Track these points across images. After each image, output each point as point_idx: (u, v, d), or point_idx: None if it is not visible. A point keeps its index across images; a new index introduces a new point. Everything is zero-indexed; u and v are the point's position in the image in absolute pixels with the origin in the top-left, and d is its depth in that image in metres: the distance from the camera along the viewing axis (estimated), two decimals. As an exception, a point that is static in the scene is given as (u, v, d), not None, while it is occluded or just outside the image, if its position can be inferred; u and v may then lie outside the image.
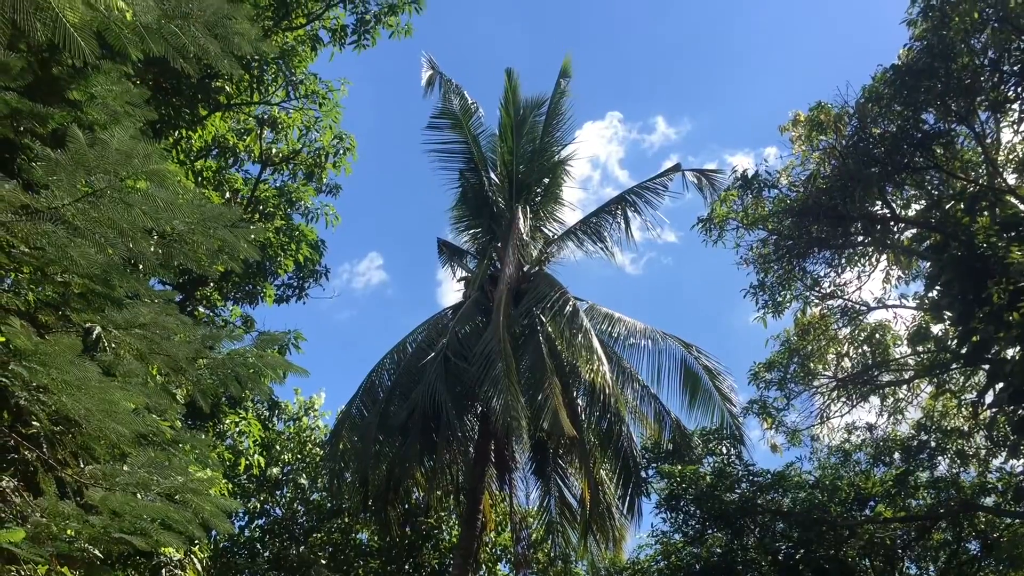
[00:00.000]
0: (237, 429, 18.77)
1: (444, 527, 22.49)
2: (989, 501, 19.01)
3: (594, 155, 65.71)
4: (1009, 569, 19.21)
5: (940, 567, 21.72)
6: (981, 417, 18.18)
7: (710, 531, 22.06)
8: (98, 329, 6.75)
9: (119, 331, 6.55)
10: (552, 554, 22.02)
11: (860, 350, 19.34)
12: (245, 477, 21.03)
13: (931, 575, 22.13)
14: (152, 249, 6.41)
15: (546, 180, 21.02)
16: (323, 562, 21.58)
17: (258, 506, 21.83)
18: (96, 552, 6.07)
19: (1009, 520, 19.03)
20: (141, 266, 6.97)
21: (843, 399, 19.45)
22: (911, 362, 18.78)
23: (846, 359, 19.62)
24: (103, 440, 6.30)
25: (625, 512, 17.84)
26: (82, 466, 6.47)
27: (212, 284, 16.87)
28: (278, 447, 21.92)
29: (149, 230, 6.25)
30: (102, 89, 6.62)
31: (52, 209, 5.69)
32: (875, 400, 19.85)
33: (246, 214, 16.72)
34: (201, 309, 16.99)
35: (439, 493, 19.15)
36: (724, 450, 22.34)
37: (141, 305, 6.66)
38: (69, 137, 5.66)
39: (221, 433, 18.32)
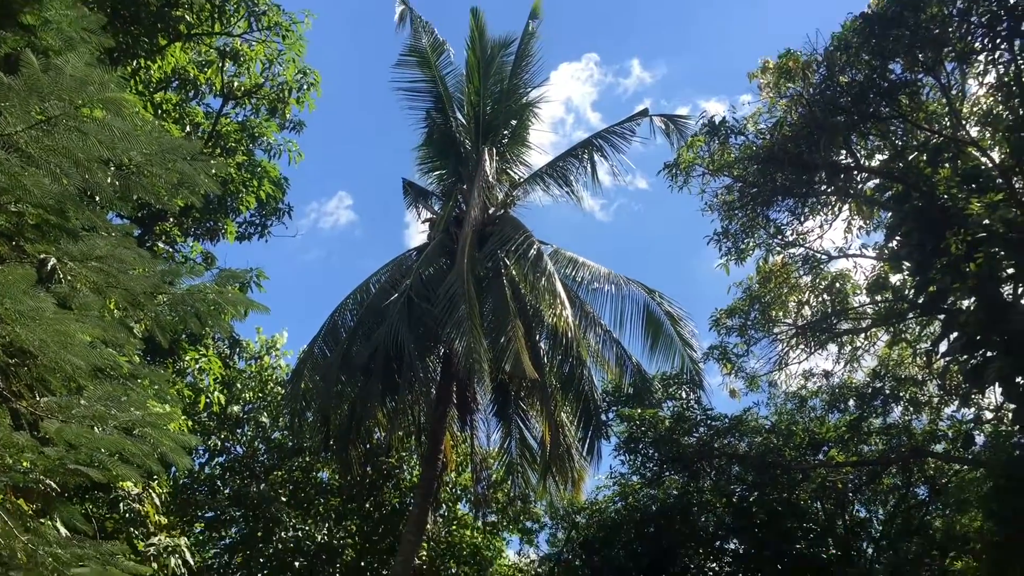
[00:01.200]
0: (197, 366, 18.65)
1: (405, 467, 22.68)
2: (939, 448, 19.48)
3: (568, 97, 65.13)
4: (956, 513, 19.80)
5: (889, 510, 22.34)
6: (935, 366, 18.52)
7: (667, 473, 22.46)
8: (53, 260, 6.63)
9: (75, 263, 6.44)
10: (512, 494, 22.33)
11: (820, 298, 19.50)
12: (205, 415, 20.98)
13: (880, 518, 22.77)
14: (109, 180, 6.28)
15: (513, 122, 20.80)
16: (283, 500, 21.71)
17: (218, 444, 21.83)
18: (52, 484, 6.04)
19: (957, 466, 19.54)
20: (98, 198, 6.84)
21: (802, 346, 19.65)
22: (869, 311, 18.99)
23: (806, 307, 19.78)
24: (59, 372, 6.22)
25: (585, 454, 18.08)
26: (37, 398, 6.40)
27: (172, 219, 16.64)
28: (239, 385, 21.85)
29: (106, 160, 6.12)
30: (56, 13, 6.43)
31: (4, 136, 5.54)
32: (833, 348, 20.09)
33: (207, 148, 16.43)
34: (160, 244, 16.77)
35: (400, 433, 19.23)
36: (683, 395, 22.65)
37: (98, 238, 6.55)
38: (22, 62, 5.50)
39: (181, 370, 18.21)
